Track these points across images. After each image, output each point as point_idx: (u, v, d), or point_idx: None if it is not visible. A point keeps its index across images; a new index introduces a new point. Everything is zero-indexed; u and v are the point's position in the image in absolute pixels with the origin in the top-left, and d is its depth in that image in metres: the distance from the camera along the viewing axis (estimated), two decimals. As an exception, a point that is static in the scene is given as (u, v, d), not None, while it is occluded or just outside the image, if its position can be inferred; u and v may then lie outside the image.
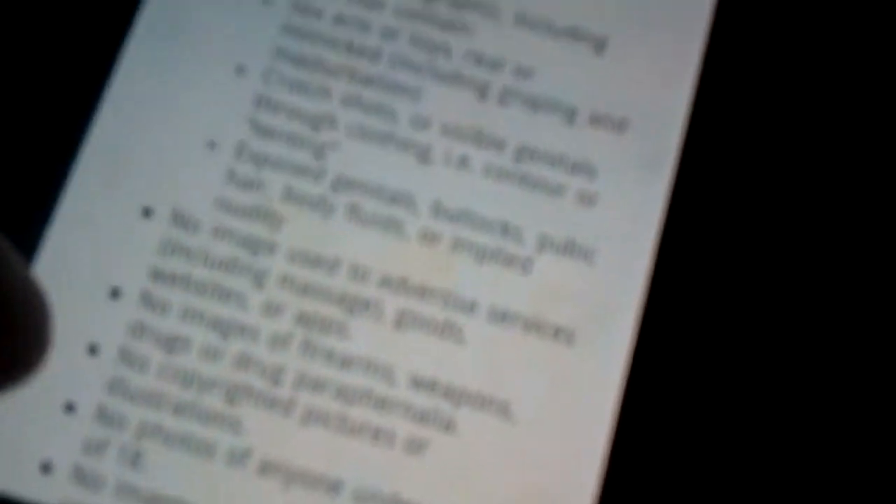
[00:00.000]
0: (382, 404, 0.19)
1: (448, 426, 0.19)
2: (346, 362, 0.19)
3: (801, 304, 0.20)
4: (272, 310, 0.19)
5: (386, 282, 0.20)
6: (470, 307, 0.19)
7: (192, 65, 0.21)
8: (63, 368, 0.19)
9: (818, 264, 0.20)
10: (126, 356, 0.19)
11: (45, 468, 0.18)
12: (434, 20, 0.21)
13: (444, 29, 0.21)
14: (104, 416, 0.19)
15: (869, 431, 0.19)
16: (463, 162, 0.20)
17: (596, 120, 0.21)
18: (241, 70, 0.21)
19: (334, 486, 0.18)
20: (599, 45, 0.21)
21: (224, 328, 0.19)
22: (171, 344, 0.19)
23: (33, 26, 0.21)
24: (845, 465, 0.19)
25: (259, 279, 0.19)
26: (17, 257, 0.14)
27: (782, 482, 0.19)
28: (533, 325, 0.19)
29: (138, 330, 0.19)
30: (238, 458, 0.19)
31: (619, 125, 0.21)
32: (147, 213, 0.20)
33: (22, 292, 0.14)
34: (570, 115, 0.21)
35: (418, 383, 0.19)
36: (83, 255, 0.19)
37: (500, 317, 0.19)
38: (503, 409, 0.19)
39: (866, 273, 0.20)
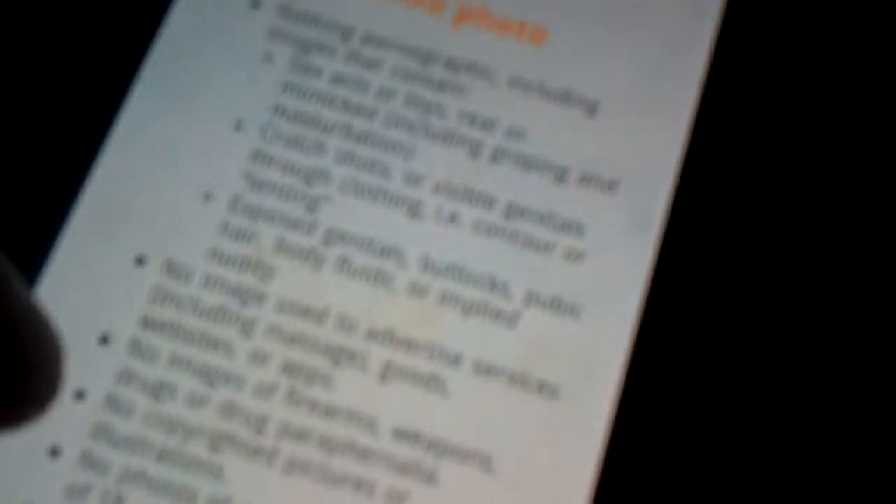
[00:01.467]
0: (365, 455, 0.19)
1: (430, 478, 0.19)
2: (329, 412, 0.19)
3: (788, 358, 0.20)
4: (258, 359, 0.19)
5: (372, 333, 0.20)
6: (455, 360, 0.20)
7: (192, 119, 0.21)
8: (49, 413, 0.19)
9: (802, 319, 0.20)
10: (112, 402, 0.19)
11: (28, 511, 0.19)
12: (430, 81, 0.22)
13: (439, 90, 0.22)
14: (88, 462, 0.19)
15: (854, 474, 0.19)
16: (453, 218, 0.21)
17: (586, 180, 0.21)
18: (239, 125, 0.21)
19: (314, 536, 0.18)
20: (591, 109, 0.22)
21: (210, 376, 0.19)
22: (158, 391, 0.19)
23: (38, 75, 0.21)
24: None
25: (247, 329, 0.20)
26: (32, 296, 0.14)
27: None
28: (518, 380, 0.19)
29: (126, 377, 0.19)
30: (219, 505, 0.19)
31: (609, 185, 0.21)
32: (140, 261, 0.20)
33: (39, 330, 0.14)
34: (561, 174, 0.21)
35: (401, 435, 0.19)
36: (75, 301, 0.20)
37: (485, 370, 0.20)
38: (485, 463, 0.19)
39: (855, 333, 0.20)
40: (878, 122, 0.21)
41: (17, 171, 0.21)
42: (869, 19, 0.22)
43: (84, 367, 0.19)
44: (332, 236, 0.20)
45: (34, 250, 0.20)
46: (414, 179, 0.21)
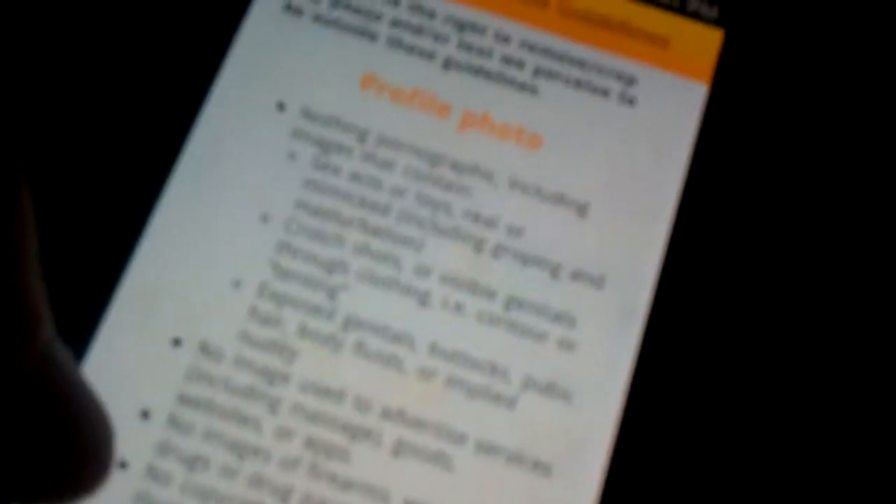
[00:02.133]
0: (379, 524, 0.21)
1: (436, 546, 0.21)
2: (347, 485, 0.21)
3: (767, 432, 0.22)
4: (284, 435, 0.22)
5: (386, 413, 0.22)
6: (460, 439, 0.22)
7: (222, 213, 0.24)
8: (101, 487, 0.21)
9: (780, 391, 0.22)
10: (152, 472, 0.21)
11: (75, 570, 0.21)
12: (438, 182, 0.24)
13: (446, 190, 0.24)
14: (130, 525, 0.21)
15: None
16: (458, 308, 0.23)
17: (577, 275, 0.23)
18: (265, 218, 0.24)
19: None
20: (582, 210, 0.24)
21: (240, 450, 0.22)
22: (193, 462, 0.21)
23: (84, 168, 0.24)
24: None
25: (273, 406, 0.22)
26: (83, 376, 0.16)
27: None
28: (515, 458, 0.22)
29: (164, 449, 0.22)
30: (248, 567, 0.21)
31: (598, 281, 0.23)
32: (177, 343, 0.22)
33: (94, 413, 0.16)
34: (555, 270, 0.23)
35: (411, 506, 0.21)
36: (118, 378, 0.22)
37: (486, 449, 0.22)
38: (486, 532, 0.21)
39: (833, 395, 0.22)
40: (841, 204, 0.24)
41: (65, 260, 0.23)
42: (831, 119, 0.25)
43: (126, 439, 0.22)
44: (350, 322, 0.23)
45: (79, 332, 0.22)
46: (423, 271, 0.23)
